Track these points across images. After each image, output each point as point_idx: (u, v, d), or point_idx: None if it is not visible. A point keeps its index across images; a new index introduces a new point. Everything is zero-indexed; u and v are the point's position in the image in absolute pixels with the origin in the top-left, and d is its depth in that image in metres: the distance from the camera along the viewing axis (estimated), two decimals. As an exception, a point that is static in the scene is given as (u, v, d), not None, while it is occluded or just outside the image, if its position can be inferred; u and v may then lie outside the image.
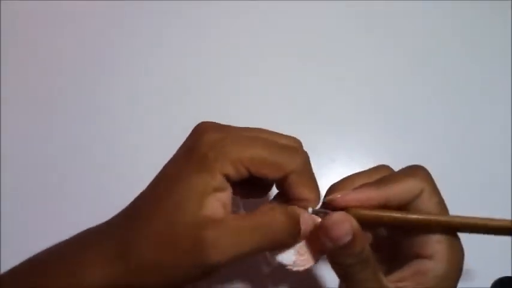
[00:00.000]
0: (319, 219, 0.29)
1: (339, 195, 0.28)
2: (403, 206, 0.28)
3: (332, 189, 0.30)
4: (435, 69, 0.48)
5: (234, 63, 0.48)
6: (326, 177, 0.34)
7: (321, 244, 0.28)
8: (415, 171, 0.29)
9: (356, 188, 0.29)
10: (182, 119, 0.46)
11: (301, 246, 0.29)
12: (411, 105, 0.47)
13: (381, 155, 0.44)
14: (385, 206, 0.28)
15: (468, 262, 0.29)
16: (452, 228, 0.28)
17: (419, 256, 0.28)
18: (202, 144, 0.27)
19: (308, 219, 0.28)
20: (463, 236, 0.29)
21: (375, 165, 0.31)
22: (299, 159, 0.28)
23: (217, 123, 0.30)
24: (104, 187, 0.43)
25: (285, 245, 0.28)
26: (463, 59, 0.48)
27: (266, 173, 0.28)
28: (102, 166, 0.44)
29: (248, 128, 0.30)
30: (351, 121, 0.46)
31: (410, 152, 0.44)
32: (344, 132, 0.46)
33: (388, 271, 0.29)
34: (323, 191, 0.30)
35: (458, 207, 0.29)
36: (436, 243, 0.28)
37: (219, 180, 0.27)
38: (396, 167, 0.30)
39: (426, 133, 0.45)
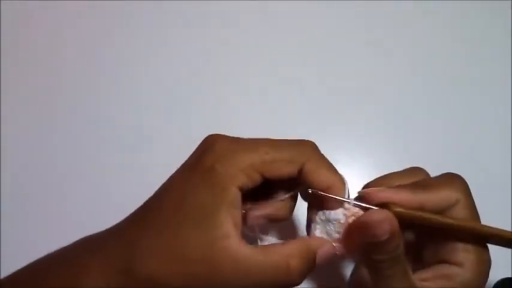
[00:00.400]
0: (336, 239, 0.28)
1: (376, 190, 0.28)
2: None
3: (368, 185, 0.30)
4: (435, 70, 0.48)
5: (234, 64, 0.48)
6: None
7: (356, 235, 0.27)
8: (453, 180, 0.29)
9: (392, 188, 0.29)
10: (182, 119, 0.46)
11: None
12: (412, 105, 0.47)
13: (382, 155, 0.44)
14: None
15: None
16: (485, 239, 0.28)
17: (445, 262, 0.28)
18: (210, 155, 0.26)
19: (328, 250, 0.28)
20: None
21: (376, 165, 0.31)
22: (309, 147, 0.28)
23: (226, 135, 0.29)
24: (105, 187, 0.43)
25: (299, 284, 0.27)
26: (463, 59, 0.48)
27: (281, 171, 0.27)
28: (102, 166, 0.44)
29: (254, 138, 0.29)
30: (351, 121, 0.46)
31: (411, 152, 0.44)
32: (345, 132, 0.46)
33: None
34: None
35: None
36: (465, 252, 0.28)
37: (232, 194, 0.25)
38: (397, 167, 0.30)
39: (427, 133, 0.45)
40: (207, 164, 0.26)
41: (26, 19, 0.50)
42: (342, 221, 0.28)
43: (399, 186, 0.29)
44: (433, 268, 0.29)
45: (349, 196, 0.28)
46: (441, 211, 0.28)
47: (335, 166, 0.28)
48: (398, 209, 0.27)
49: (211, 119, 0.46)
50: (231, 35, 0.50)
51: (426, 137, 0.45)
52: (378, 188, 0.28)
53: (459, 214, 0.28)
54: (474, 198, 0.29)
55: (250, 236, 0.29)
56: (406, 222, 0.28)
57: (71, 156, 0.44)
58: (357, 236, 0.27)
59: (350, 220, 0.28)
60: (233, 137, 0.28)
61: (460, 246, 0.28)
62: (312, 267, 0.27)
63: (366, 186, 0.30)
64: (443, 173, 0.30)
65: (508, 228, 0.28)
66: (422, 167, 0.30)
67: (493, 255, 0.29)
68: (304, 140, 0.29)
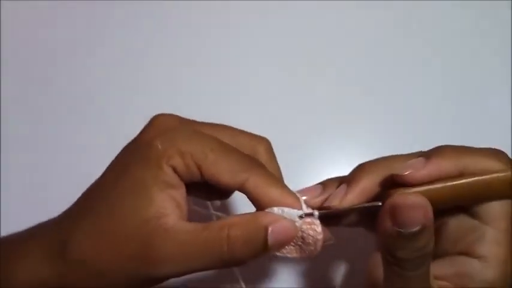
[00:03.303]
0: (317, 224, 0.24)
1: (410, 170, 0.24)
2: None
3: (364, 168, 0.26)
4: (435, 70, 0.48)
5: (234, 64, 0.48)
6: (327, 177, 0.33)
7: (380, 228, 0.23)
8: (499, 153, 0.25)
9: (424, 160, 0.24)
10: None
11: (307, 234, 0.25)
12: (412, 106, 0.47)
13: (384, 156, 0.44)
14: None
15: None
16: None
17: (466, 254, 0.25)
18: (151, 131, 0.25)
19: (286, 228, 0.23)
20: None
21: None
22: (259, 163, 0.25)
23: (177, 116, 0.27)
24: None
25: (246, 260, 0.24)
26: (463, 59, 0.48)
27: (218, 177, 0.24)
28: (103, 166, 0.44)
29: (210, 123, 0.27)
30: (352, 122, 0.46)
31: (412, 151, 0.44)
32: (345, 133, 0.46)
33: None
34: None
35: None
36: (493, 244, 0.24)
37: (168, 173, 0.23)
38: None
39: (427, 133, 0.45)
40: (146, 139, 0.25)
41: (26, 19, 0.50)
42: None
43: (430, 156, 0.24)
44: (450, 261, 0.25)
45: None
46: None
47: (335, 167, 0.27)
48: (434, 191, 0.23)
49: (211, 118, 0.45)
50: (230, 35, 0.50)
51: (427, 137, 0.45)
52: (406, 166, 0.24)
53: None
54: None
55: (203, 213, 0.28)
56: (440, 206, 0.24)
57: (71, 155, 0.45)
58: (382, 223, 0.23)
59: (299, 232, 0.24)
60: (186, 120, 0.27)
61: (489, 236, 0.24)
62: (259, 245, 0.23)
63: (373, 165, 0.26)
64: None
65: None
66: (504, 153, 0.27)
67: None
68: (257, 158, 0.26)
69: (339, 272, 0.39)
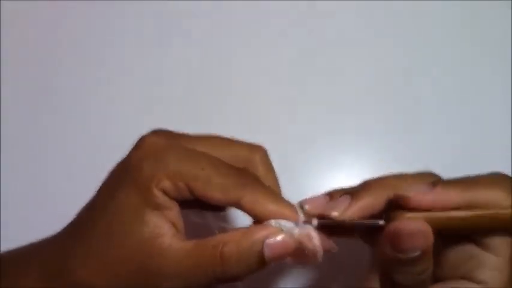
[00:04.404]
0: (312, 234, 0.24)
1: (420, 192, 0.24)
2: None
3: (369, 185, 0.25)
4: (435, 70, 0.48)
5: (234, 63, 0.48)
6: (331, 179, 0.33)
7: (379, 250, 0.23)
8: (504, 179, 0.25)
9: (431, 187, 0.24)
10: (183, 119, 0.46)
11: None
12: (413, 106, 0.47)
13: (384, 157, 0.44)
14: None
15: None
16: None
17: (467, 279, 0.25)
18: (139, 153, 0.24)
19: (283, 241, 0.23)
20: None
21: (378, 166, 0.29)
22: (252, 176, 0.25)
23: (167, 131, 0.26)
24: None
25: (243, 276, 0.24)
26: (462, 59, 0.48)
27: (211, 196, 0.23)
28: (103, 166, 0.44)
29: (200, 136, 0.26)
30: (352, 121, 0.46)
31: (413, 153, 0.44)
32: (347, 134, 0.46)
33: None
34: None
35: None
36: (494, 270, 0.24)
37: (159, 196, 0.23)
38: (400, 168, 0.30)
39: (428, 133, 0.45)
40: (134, 161, 0.24)
41: (26, 19, 0.50)
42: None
43: (441, 184, 0.24)
44: (451, 284, 0.25)
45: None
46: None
47: (337, 168, 0.27)
48: (435, 217, 0.23)
49: (211, 118, 0.46)
50: (231, 34, 0.50)
51: (427, 137, 0.45)
52: (415, 190, 0.24)
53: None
54: None
55: (205, 224, 0.27)
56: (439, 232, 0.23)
57: (71, 156, 0.45)
58: (382, 245, 0.23)
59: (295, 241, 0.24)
60: (175, 135, 0.26)
61: (491, 262, 0.24)
62: (255, 260, 0.23)
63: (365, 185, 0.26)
64: (488, 172, 0.26)
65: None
66: (423, 167, 0.27)
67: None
68: (250, 172, 0.25)
69: (337, 277, 0.39)
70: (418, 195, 0.24)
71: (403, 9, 0.50)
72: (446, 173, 0.42)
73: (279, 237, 0.23)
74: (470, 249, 0.25)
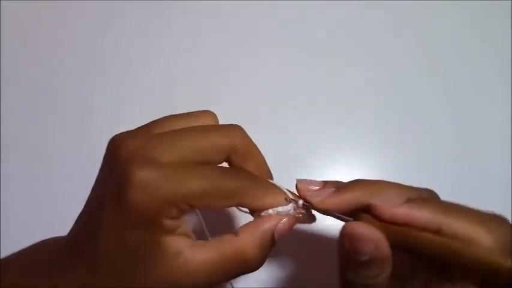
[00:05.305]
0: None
1: (390, 203, 0.24)
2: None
3: (374, 188, 0.26)
4: (435, 69, 0.48)
5: (234, 63, 0.48)
6: (329, 178, 0.33)
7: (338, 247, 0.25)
8: (496, 220, 0.24)
9: (403, 203, 0.24)
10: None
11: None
12: (413, 105, 0.47)
13: (383, 156, 0.44)
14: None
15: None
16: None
17: None
18: (130, 188, 0.22)
19: (288, 224, 0.26)
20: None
21: (377, 165, 0.29)
22: (245, 173, 0.26)
23: (131, 135, 0.26)
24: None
25: (263, 262, 0.26)
26: (463, 59, 0.48)
27: (214, 205, 0.24)
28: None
29: (174, 132, 0.26)
30: (352, 121, 0.46)
31: (412, 153, 0.44)
32: (346, 133, 0.46)
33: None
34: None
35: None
36: None
37: (168, 224, 0.23)
38: (398, 168, 0.30)
39: (428, 133, 0.45)
40: (130, 199, 0.23)
41: (26, 19, 0.50)
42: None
43: (418, 202, 0.24)
44: None
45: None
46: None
47: (336, 166, 0.27)
48: (395, 229, 0.23)
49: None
50: (231, 34, 0.50)
51: (427, 137, 0.45)
52: (385, 200, 0.24)
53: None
54: (474, 198, 0.27)
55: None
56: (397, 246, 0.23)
57: (71, 155, 0.45)
58: (338, 244, 0.24)
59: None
60: (146, 137, 0.25)
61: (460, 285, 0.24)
62: (269, 247, 0.25)
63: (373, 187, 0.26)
64: (488, 212, 0.25)
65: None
66: (422, 166, 0.27)
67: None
68: (242, 170, 0.26)
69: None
70: (384, 205, 0.24)
71: (403, 9, 0.50)
72: (446, 173, 0.42)
73: (285, 222, 0.26)
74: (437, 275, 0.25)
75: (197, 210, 0.27)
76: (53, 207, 0.43)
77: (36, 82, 0.48)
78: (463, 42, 0.49)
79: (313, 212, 0.28)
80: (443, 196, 0.29)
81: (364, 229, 0.23)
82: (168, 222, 0.23)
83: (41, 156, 0.45)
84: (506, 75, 0.47)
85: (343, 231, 0.24)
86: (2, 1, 0.50)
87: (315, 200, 0.26)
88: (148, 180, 0.23)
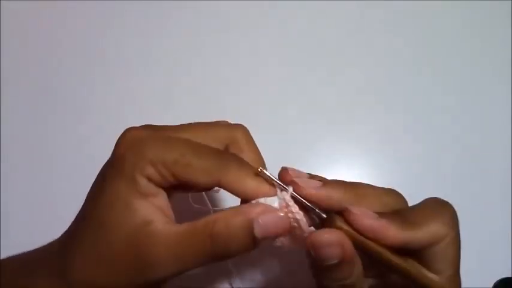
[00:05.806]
0: (296, 209, 0.25)
1: (362, 214, 0.24)
2: (417, 251, 0.25)
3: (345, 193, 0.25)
4: (435, 69, 0.48)
5: (234, 63, 0.48)
6: (329, 178, 0.33)
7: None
8: (441, 210, 0.25)
9: (377, 218, 0.24)
10: (184, 120, 0.46)
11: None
12: (413, 105, 0.47)
13: (382, 155, 0.44)
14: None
15: (469, 262, 0.28)
16: None
17: None
18: (122, 146, 0.25)
19: (275, 219, 0.24)
20: (464, 236, 0.28)
21: (376, 165, 0.29)
22: (232, 156, 0.26)
23: (146, 126, 0.27)
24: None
25: (236, 254, 0.24)
26: (463, 59, 0.48)
27: (195, 179, 0.24)
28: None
29: (182, 125, 0.27)
30: (352, 121, 0.46)
31: (411, 152, 0.44)
32: (345, 132, 0.46)
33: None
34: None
35: (458, 207, 0.28)
36: None
37: (143, 184, 0.24)
38: (398, 168, 0.30)
39: (427, 133, 0.45)
40: (117, 155, 0.25)
41: (26, 19, 0.50)
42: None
43: (386, 217, 0.24)
44: None
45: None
46: (426, 248, 0.24)
47: (336, 166, 0.27)
48: (352, 232, 0.24)
49: (210, 118, 0.46)
50: (231, 34, 0.50)
51: (427, 137, 0.45)
52: (362, 210, 0.24)
53: (445, 251, 0.25)
54: (474, 198, 0.27)
55: (204, 210, 0.28)
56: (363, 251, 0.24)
57: (71, 155, 0.45)
58: (308, 256, 0.24)
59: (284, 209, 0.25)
60: (154, 127, 0.27)
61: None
62: (245, 238, 0.23)
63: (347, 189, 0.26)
64: (428, 200, 0.26)
65: (508, 229, 0.27)
66: (422, 166, 0.27)
67: (493, 255, 0.28)
68: (229, 152, 0.26)
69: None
70: (359, 216, 0.24)
71: (403, 9, 0.50)
72: (446, 173, 0.42)
73: (272, 215, 0.24)
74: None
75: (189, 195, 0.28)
76: (53, 207, 0.43)
77: (36, 82, 0.48)
78: (463, 42, 0.49)
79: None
80: (444, 196, 0.28)
81: (327, 236, 0.23)
82: (143, 182, 0.24)
83: (41, 156, 0.45)
84: (506, 75, 0.47)
85: (308, 242, 0.24)
86: (2, 1, 0.50)
87: (301, 184, 0.25)
88: (135, 137, 0.25)
